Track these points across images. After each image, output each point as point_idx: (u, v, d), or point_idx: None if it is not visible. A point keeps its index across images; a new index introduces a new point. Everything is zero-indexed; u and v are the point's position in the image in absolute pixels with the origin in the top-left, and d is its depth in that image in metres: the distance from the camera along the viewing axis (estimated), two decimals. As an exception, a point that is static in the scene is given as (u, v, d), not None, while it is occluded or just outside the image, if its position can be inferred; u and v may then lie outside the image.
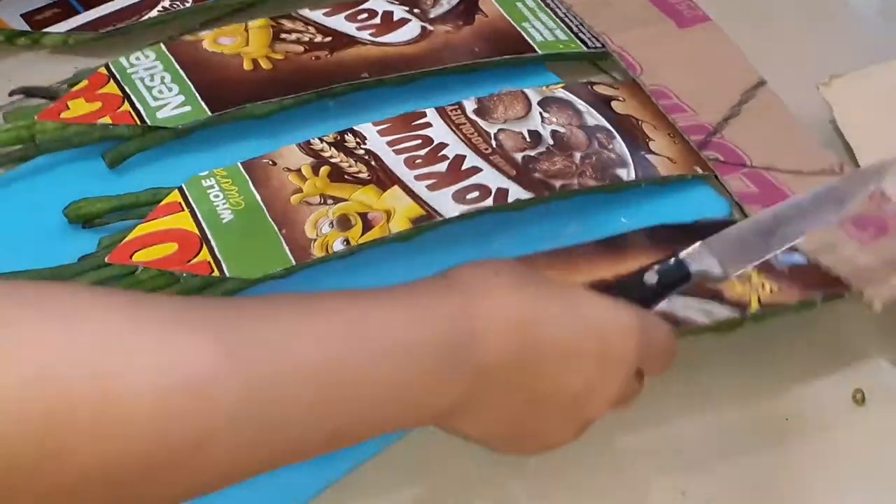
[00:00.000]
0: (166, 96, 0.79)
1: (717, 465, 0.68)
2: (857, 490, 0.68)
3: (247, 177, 0.75)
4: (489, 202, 0.75)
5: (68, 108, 0.77)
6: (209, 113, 0.78)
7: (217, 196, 0.74)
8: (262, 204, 0.74)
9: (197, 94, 0.79)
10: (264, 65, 0.82)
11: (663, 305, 0.65)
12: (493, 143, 0.79)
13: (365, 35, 0.85)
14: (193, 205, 0.73)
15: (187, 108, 0.78)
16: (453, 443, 0.58)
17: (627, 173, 0.79)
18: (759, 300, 0.72)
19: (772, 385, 0.72)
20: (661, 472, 0.67)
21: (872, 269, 0.75)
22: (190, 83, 0.80)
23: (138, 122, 0.77)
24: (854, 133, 0.81)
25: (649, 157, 0.80)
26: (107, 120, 0.77)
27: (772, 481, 0.67)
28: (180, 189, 0.74)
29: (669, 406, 0.69)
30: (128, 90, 0.79)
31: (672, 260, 0.63)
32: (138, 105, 0.78)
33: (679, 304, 0.70)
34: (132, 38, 0.86)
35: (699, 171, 0.80)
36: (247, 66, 0.81)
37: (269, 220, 0.73)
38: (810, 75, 0.83)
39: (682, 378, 0.69)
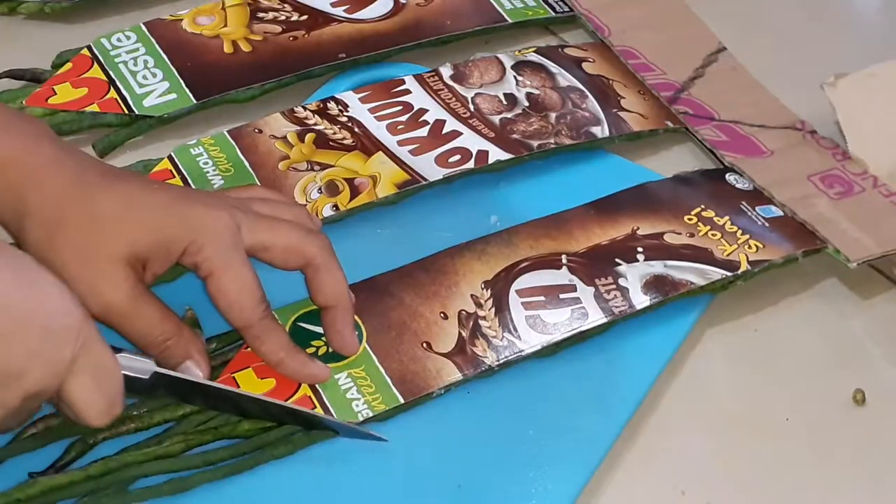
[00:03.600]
0: (151, 83, 0.78)
1: (717, 465, 0.67)
2: (858, 490, 0.67)
3: (234, 144, 0.75)
4: (471, 164, 0.76)
5: (55, 94, 0.76)
6: (194, 101, 0.78)
7: (206, 163, 0.74)
8: (250, 170, 0.74)
9: (181, 81, 0.78)
10: (244, 47, 0.81)
11: (659, 269, 0.69)
12: (471, 107, 0.79)
13: (339, 11, 0.85)
14: (184, 171, 0.73)
15: (173, 96, 0.78)
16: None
17: (601, 130, 0.79)
18: (748, 259, 0.72)
19: (772, 385, 0.71)
20: (661, 472, 0.66)
21: (843, 227, 0.75)
22: (173, 68, 0.79)
23: (125, 111, 0.77)
24: (855, 136, 0.80)
25: (621, 114, 0.81)
26: (94, 108, 0.77)
27: (772, 481, 0.66)
28: (170, 157, 0.74)
29: (669, 406, 0.69)
30: (112, 75, 0.78)
31: None
32: (124, 92, 0.77)
33: (674, 268, 0.71)
34: (109, 6, 0.85)
35: (670, 124, 0.81)
36: (227, 48, 0.81)
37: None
38: (812, 75, 0.82)
39: (682, 378, 0.70)
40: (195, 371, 0.63)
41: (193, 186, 0.72)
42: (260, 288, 0.63)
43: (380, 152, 0.75)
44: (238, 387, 0.64)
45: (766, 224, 0.75)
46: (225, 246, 0.61)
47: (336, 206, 0.73)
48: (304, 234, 0.64)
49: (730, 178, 0.78)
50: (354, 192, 0.73)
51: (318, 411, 0.64)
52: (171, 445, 0.62)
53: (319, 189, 0.73)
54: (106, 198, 0.61)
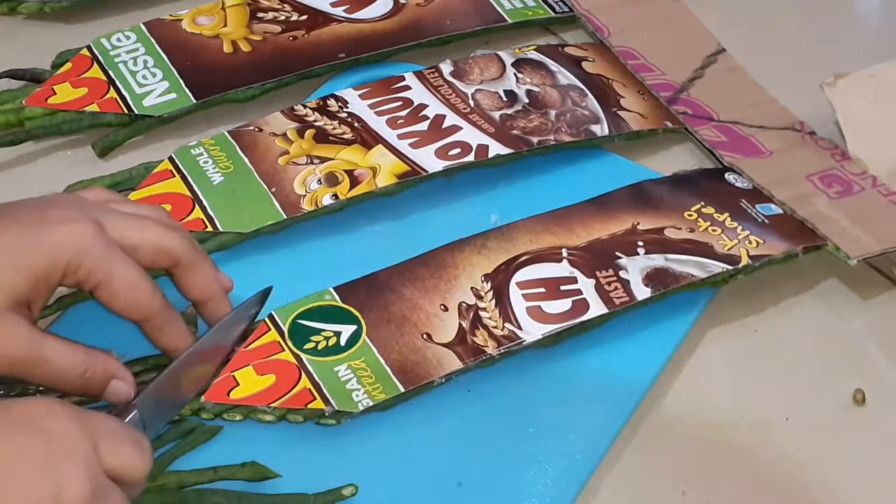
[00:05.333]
0: (150, 82, 0.78)
1: (717, 465, 0.66)
2: (858, 490, 0.66)
3: (234, 143, 0.74)
4: (471, 158, 0.75)
5: (55, 94, 0.76)
6: (193, 100, 0.77)
7: (206, 162, 0.73)
8: (250, 166, 0.73)
9: (181, 81, 0.78)
10: (244, 47, 0.81)
11: (659, 262, 0.69)
12: (471, 102, 0.79)
13: (339, 11, 0.84)
14: (184, 170, 0.72)
15: (172, 96, 0.77)
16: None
17: (601, 129, 0.79)
18: (748, 254, 0.72)
19: (772, 385, 0.70)
20: (661, 472, 0.66)
21: (843, 225, 0.75)
22: (173, 68, 0.78)
23: (125, 111, 0.76)
24: (855, 136, 0.80)
25: (621, 113, 0.80)
26: (94, 108, 0.76)
27: (772, 481, 0.66)
28: (170, 158, 0.73)
29: (669, 406, 0.68)
30: (112, 75, 0.77)
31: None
32: (124, 92, 0.77)
33: (675, 261, 0.70)
34: (109, 6, 0.85)
35: (669, 124, 0.81)
36: (227, 48, 0.80)
37: (259, 180, 0.72)
38: (812, 75, 0.81)
39: (682, 378, 0.69)
40: (124, 389, 0.60)
41: (194, 184, 0.72)
42: (149, 277, 0.61)
43: (379, 145, 0.75)
44: (238, 385, 0.63)
45: (766, 221, 0.74)
46: (100, 254, 0.59)
47: (335, 196, 0.72)
48: (170, 231, 0.62)
49: (729, 177, 0.78)
50: (354, 182, 0.73)
51: (318, 404, 0.63)
52: (165, 481, 0.61)
53: (319, 180, 0.73)
54: None
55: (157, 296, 0.61)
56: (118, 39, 0.80)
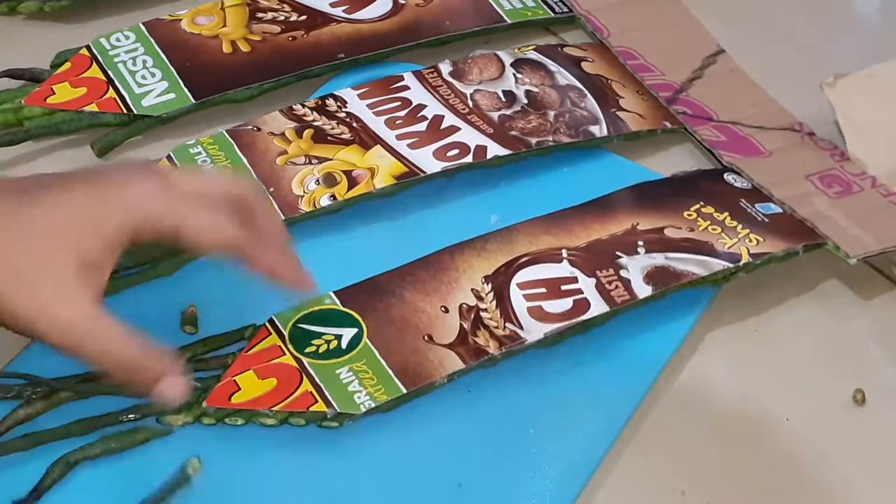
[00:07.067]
0: (150, 82, 0.77)
1: (717, 465, 0.66)
2: (858, 490, 0.66)
3: (232, 142, 0.74)
4: (469, 159, 0.74)
5: (54, 93, 0.75)
6: (193, 100, 0.76)
7: (205, 161, 0.72)
8: (248, 166, 0.72)
9: (180, 81, 0.77)
10: (243, 47, 0.80)
11: (660, 260, 0.69)
12: (470, 103, 0.78)
13: (339, 12, 0.83)
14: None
15: (171, 96, 0.76)
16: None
17: (600, 130, 0.78)
18: (749, 252, 0.71)
19: (772, 385, 0.69)
20: (661, 472, 0.65)
21: (843, 224, 0.74)
22: (172, 68, 0.77)
23: (124, 110, 0.75)
24: (854, 136, 0.79)
25: (620, 113, 0.79)
26: (93, 107, 0.75)
27: (772, 481, 0.65)
28: (169, 157, 0.73)
29: (669, 406, 0.67)
30: (111, 75, 0.76)
31: None
32: (123, 92, 0.76)
33: (675, 260, 0.70)
34: (108, 6, 0.84)
35: (668, 125, 0.80)
36: (226, 48, 0.79)
37: (257, 180, 0.72)
38: (811, 75, 0.81)
39: (683, 378, 0.69)
40: (175, 390, 0.56)
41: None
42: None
43: (378, 146, 0.74)
44: (239, 389, 0.62)
45: (766, 220, 0.74)
46: (172, 202, 0.56)
47: (333, 197, 0.71)
48: (237, 178, 0.60)
49: (728, 177, 0.77)
50: (352, 182, 0.72)
51: (320, 407, 0.62)
52: None
53: (317, 181, 0.72)
54: (33, 215, 0.54)
55: (240, 229, 0.58)
56: (117, 39, 0.79)
